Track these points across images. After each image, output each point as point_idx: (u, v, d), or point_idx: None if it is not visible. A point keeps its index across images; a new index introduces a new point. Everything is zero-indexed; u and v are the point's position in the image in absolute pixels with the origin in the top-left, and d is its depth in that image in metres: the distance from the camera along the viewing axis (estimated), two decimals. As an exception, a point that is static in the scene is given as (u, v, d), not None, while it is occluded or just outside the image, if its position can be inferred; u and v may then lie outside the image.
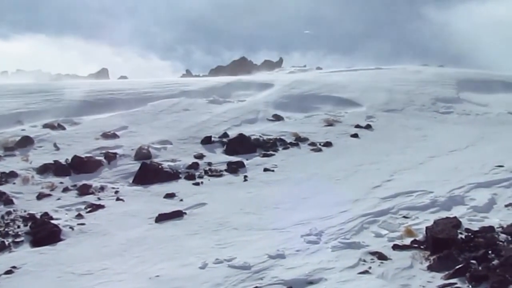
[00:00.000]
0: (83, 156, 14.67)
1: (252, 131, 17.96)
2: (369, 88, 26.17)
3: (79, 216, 11.15)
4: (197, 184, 13.39)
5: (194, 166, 14.56)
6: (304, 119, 20.35)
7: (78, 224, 10.63)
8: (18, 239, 9.94)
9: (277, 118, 20.25)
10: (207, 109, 20.88)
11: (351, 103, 23.11)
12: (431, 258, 7.48)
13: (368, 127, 19.46)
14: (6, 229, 10.30)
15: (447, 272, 6.93)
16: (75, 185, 13.04)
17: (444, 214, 9.31)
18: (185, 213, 11.05)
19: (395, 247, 8.09)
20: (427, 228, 8.36)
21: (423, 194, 10.73)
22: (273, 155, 15.85)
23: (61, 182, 13.22)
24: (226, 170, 14.36)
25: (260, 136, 17.45)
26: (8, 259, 9.04)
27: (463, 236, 8.09)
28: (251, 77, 32.83)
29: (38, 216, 10.94)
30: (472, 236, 8.05)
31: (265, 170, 14.38)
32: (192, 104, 21.59)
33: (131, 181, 13.58)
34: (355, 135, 18.28)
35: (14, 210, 11.26)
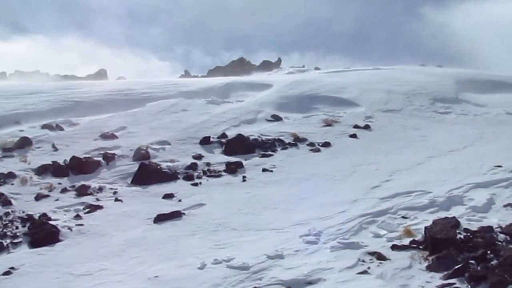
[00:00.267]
0: (81, 156, 14.65)
1: (251, 131, 17.96)
2: (368, 88, 26.18)
3: (78, 217, 11.13)
4: (196, 184, 13.37)
5: (193, 166, 14.55)
6: (303, 120, 20.35)
7: (76, 225, 10.61)
8: (16, 240, 9.93)
9: (276, 118, 20.25)
10: (206, 110, 20.87)
11: (349, 103, 23.12)
12: (430, 258, 7.48)
13: (367, 127, 19.46)
14: (4, 230, 10.28)
15: (446, 272, 6.94)
16: (73, 186, 13.02)
17: (442, 214, 9.31)
18: (183, 213, 11.04)
19: (394, 247, 8.09)
20: (426, 228, 8.37)
21: (422, 194, 10.73)
22: (272, 155, 15.85)
23: (60, 183, 13.21)
24: (224, 171, 14.36)
25: (259, 137, 17.45)
26: (6, 260, 9.02)
27: (462, 236, 8.10)
28: (249, 77, 32.85)
29: (36, 217, 10.93)
30: (471, 236, 8.05)
31: (264, 170, 14.38)
32: (191, 104, 21.58)
33: (129, 182, 13.56)
34: (353, 136, 18.28)
35: (12, 211, 11.24)
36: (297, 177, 13.62)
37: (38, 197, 12.24)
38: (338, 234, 8.82)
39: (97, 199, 12.27)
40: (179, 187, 13.15)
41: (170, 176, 13.83)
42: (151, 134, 17.33)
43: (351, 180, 13.00)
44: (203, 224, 10.27)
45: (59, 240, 9.90)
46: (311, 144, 17.04)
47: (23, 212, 11.23)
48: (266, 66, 56.88)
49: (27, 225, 10.47)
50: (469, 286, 6.52)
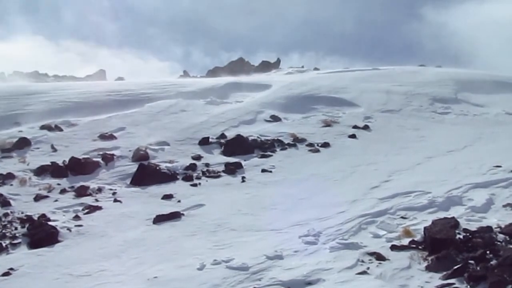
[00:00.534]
0: (80, 157, 14.65)
1: (250, 132, 17.95)
2: (367, 88, 26.20)
3: (77, 217, 11.12)
4: (195, 185, 13.37)
5: (192, 167, 14.55)
6: (302, 120, 20.36)
7: (75, 226, 10.60)
8: (15, 241, 9.91)
9: (275, 119, 20.24)
10: (205, 110, 20.87)
11: (348, 103, 23.13)
12: (429, 258, 7.48)
13: (366, 127, 19.47)
14: (3, 231, 10.26)
15: (445, 273, 6.94)
16: (72, 187, 13.01)
17: (442, 215, 9.31)
18: (183, 214, 11.04)
19: (393, 248, 8.09)
20: (425, 228, 8.37)
21: (421, 194, 10.73)
22: (271, 156, 15.85)
23: (59, 184, 13.20)
24: (223, 171, 14.35)
25: (258, 137, 17.45)
26: (5, 261, 9.01)
27: (461, 237, 8.10)
28: (249, 78, 32.83)
29: (35, 217, 10.91)
30: (470, 236, 8.05)
31: (263, 171, 14.37)
32: (190, 105, 21.58)
33: (128, 183, 13.56)
34: (353, 136, 18.29)
35: (11, 212, 11.22)
36: (296, 177, 13.62)
37: (37, 198, 12.22)
38: (338, 234, 8.81)
39: (96, 200, 12.26)
40: (178, 187, 13.14)
41: (169, 176, 13.82)
42: (150, 134, 17.33)
43: (350, 180, 13.00)
44: (203, 225, 10.27)
45: (58, 241, 9.89)
46: (310, 145, 17.04)
47: (22, 213, 11.22)
48: (265, 66, 56.81)
49: (26, 226, 10.46)
50: (469, 286, 6.52)
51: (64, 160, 14.43)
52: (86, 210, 11.55)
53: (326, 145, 17.08)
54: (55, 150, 15.60)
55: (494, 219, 8.91)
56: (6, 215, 11.04)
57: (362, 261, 7.65)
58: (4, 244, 9.69)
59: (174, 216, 10.88)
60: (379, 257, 7.73)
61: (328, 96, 24.06)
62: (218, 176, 14.06)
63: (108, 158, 14.86)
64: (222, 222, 10.29)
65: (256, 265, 7.79)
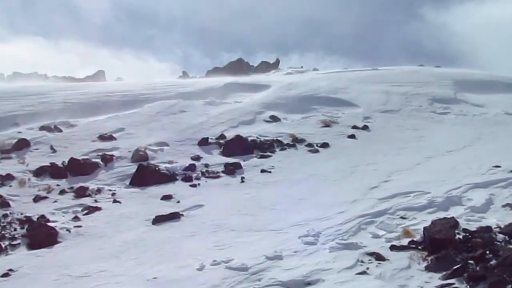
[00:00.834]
0: (79, 158, 14.64)
1: (249, 132, 17.95)
2: (366, 89, 26.19)
3: (76, 218, 11.12)
4: (194, 185, 13.36)
5: (191, 167, 14.54)
6: (301, 120, 20.34)
7: (75, 227, 10.61)
8: (14, 242, 9.92)
9: (274, 119, 20.23)
10: (204, 111, 20.86)
11: (348, 104, 23.12)
12: (429, 258, 7.48)
13: (365, 128, 19.46)
14: (2, 232, 10.26)
15: (445, 273, 6.93)
16: (71, 188, 13.01)
17: (441, 215, 9.31)
18: (182, 214, 11.04)
19: (393, 248, 8.08)
20: (424, 228, 8.36)
21: (420, 194, 10.73)
22: (270, 156, 15.84)
23: (58, 185, 13.20)
24: (223, 172, 14.35)
25: (257, 138, 17.44)
26: (4, 262, 9.01)
27: (460, 237, 8.10)
28: (248, 78, 32.81)
29: (34, 218, 10.92)
30: (469, 236, 8.05)
31: (262, 171, 14.37)
32: (189, 105, 21.57)
33: (128, 183, 13.56)
34: (352, 136, 18.29)
35: (10, 213, 11.23)
36: (295, 178, 13.62)
37: (37, 199, 12.22)
38: (337, 234, 8.81)
39: (96, 201, 12.26)
40: (178, 188, 13.14)
41: (168, 177, 13.82)
42: (149, 135, 17.33)
43: (349, 180, 12.99)
44: (202, 225, 10.26)
45: (57, 242, 9.89)
46: (310, 145, 17.04)
47: (22, 214, 11.21)
48: (265, 67, 56.89)
49: (26, 227, 10.46)
50: (468, 286, 6.51)
51: (64, 161, 14.42)
52: (86, 211, 11.55)
53: (325, 145, 17.07)
54: (54, 151, 15.58)
55: (494, 219, 8.92)
56: (5, 216, 11.04)
57: (362, 261, 7.64)
58: (3, 245, 9.70)
59: (174, 216, 10.88)
60: (379, 257, 7.73)
61: (328, 96, 24.05)
62: (218, 177, 14.06)
63: (108, 159, 14.85)
64: (222, 223, 10.28)
65: (256, 265, 7.78)
